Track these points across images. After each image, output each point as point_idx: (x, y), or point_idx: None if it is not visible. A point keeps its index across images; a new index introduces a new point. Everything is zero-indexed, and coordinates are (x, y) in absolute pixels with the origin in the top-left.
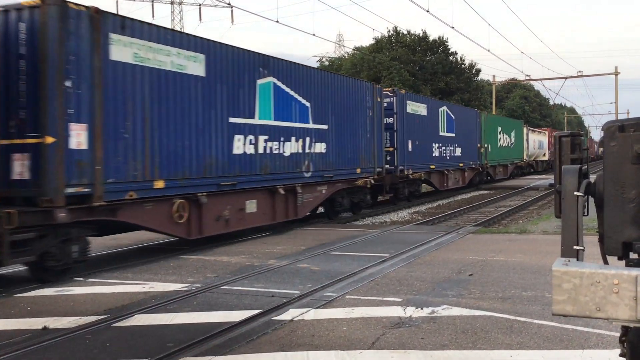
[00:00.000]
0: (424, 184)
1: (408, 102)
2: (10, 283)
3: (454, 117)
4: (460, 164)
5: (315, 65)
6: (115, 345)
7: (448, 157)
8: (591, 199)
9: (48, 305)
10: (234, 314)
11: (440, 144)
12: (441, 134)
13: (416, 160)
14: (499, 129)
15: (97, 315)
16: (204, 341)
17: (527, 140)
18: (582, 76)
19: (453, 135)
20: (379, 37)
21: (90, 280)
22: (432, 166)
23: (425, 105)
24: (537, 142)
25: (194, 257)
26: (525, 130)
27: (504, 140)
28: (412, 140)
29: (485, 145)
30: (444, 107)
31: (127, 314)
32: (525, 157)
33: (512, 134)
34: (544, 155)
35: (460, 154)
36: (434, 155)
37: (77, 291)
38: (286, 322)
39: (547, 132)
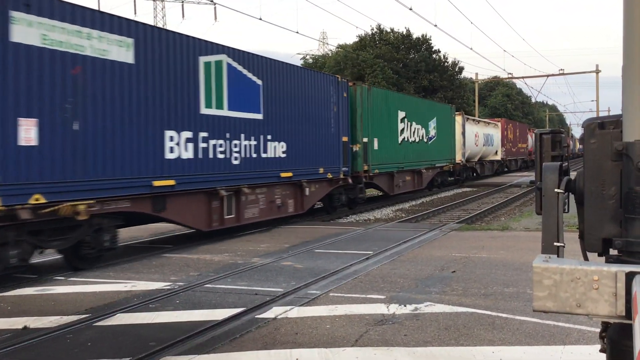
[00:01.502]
0: None
1: None
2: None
3: (260, 83)
4: (285, 174)
5: (299, 63)
6: (96, 345)
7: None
8: (572, 196)
9: (29, 304)
10: (217, 312)
11: (208, 133)
12: (205, 111)
13: None
14: (401, 114)
15: (78, 315)
16: (186, 340)
17: (464, 133)
18: (563, 74)
19: (259, 117)
20: (363, 35)
21: (71, 280)
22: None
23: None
24: (484, 137)
25: (177, 256)
26: (459, 119)
27: (413, 132)
28: None
29: (365, 141)
30: (223, 57)
31: (109, 313)
32: (459, 157)
33: (432, 124)
34: (496, 153)
35: (283, 155)
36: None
37: (59, 290)
38: (270, 320)
39: (499, 124)
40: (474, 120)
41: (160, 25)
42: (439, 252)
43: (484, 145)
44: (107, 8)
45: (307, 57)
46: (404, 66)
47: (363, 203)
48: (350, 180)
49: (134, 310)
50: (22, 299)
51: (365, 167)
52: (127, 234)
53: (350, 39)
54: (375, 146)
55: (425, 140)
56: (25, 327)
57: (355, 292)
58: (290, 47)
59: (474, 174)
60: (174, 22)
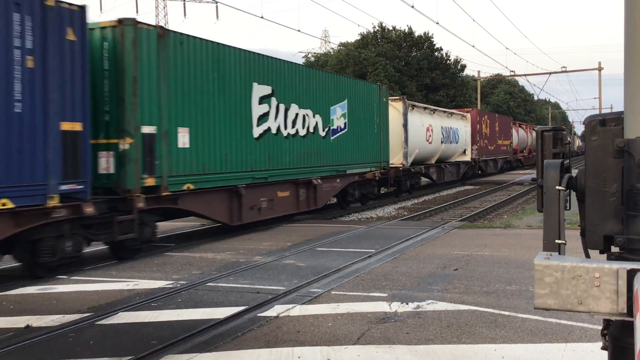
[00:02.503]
0: None
1: None
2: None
3: None
4: None
5: (301, 61)
6: (99, 343)
7: None
8: (573, 194)
9: (31, 303)
10: (219, 310)
11: None
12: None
13: None
14: (263, 90)
15: (80, 313)
16: (188, 338)
17: (407, 126)
18: (566, 72)
19: None
20: (365, 32)
21: (74, 278)
22: None
23: None
24: (443, 132)
25: (179, 254)
26: (398, 106)
27: (292, 121)
28: None
29: (148, 131)
30: None
31: (111, 311)
32: (398, 160)
33: (340, 111)
34: (464, 153)
35: None
36: None
37: (61, 289)
38: (271, 318)
39: (468, 116)
40: (425, 109)
41: (162, 24)
42: (441, 250)
43: (443, 142)
44: (109, 8)
45: (309, 55)
46: (406, 64)
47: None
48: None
49: (136, 308)
50: (25, 297)
51: (150, 181)
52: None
53: (352, 37)
54: (183, 142)
55: (322, 134)
56: (27, 326)
57: (357, 290)
58: (292, 46)
59: (409, 187)
60: (176, 22)
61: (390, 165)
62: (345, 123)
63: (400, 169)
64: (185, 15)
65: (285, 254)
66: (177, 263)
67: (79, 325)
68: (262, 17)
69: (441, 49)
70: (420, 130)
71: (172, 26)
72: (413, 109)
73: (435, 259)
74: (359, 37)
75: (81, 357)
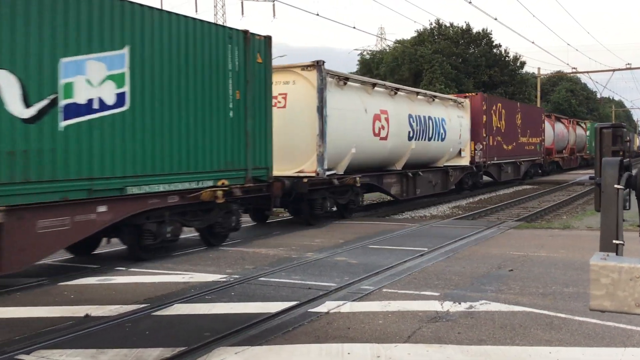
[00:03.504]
0: None
1: None
2: (57, 271)
3: None
4: None
5: (357, 59)
6: (154, 333)
7: None
8: (633, 193)
9: (90, 293)
10: (271, 305)
11: None
12: None
13: None
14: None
15: (137, 304)
16: (240, 331)
17: (322, 109)
18: (630, 69)
19: None
20: (421, 29)
21: (131, 270)
22: None
23: None
24: (410, 124)
25: (232, 249)
26: (310, 76)
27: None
28: None
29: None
30: None
31: (166, 303)
32: (314, 167)
33: (98, 67)
34: (460, 154)
35: None
36: None
37: (119, 280)
38: (322, 314)
39: (466, 102)
40: (374, 86)
41: (220, 22)
42: (496, 250)
43: (414, 138)
44: (169, 7)
45: (364, 53)
46: (463, 61)
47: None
48: None
49: (191, 301)
50: (85, 287)
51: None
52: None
53: (409, 34)
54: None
55: (19, 112)
56: (87, 315)
57: (408, 288)
58: (348, 43)
59: (361, 202)
60: (234, 20)
61: (295, 174)
62: (121, 95)
63: (307, 180)
64: (242, 14)
65: (338, 251)
66: (230, 257)
67: (135, 315)
68: (317, 15)
69: (500, 46)
70: (360, 119)
71: (230, 24)
72: (345, 84)
73: (490, 259)
74: (415, 34)
75: (137, 347)
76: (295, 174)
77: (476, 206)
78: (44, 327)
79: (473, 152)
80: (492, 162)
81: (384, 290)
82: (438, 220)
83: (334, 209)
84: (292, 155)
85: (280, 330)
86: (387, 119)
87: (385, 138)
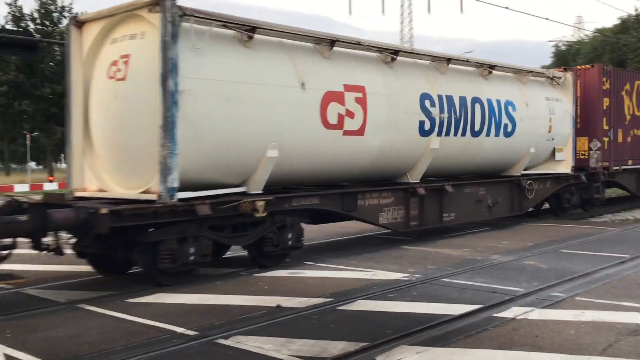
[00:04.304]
0: None
1: None
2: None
3: None
4: None
5: (551, 50)
6: (338, 327)
7: None
8: None
9: (282, 285)
10: (453, 307)
11: None
12: None
13: None
14: None
15: (323, 298)
16: (422, 331)
17: (164, 78)
18: None
19: None
20: (625, 16)
21: (319, 265)
22: None
23: None
24: (433, 108)
25: (415, 248)
26: (156, 21)
27: None
28: None
29: None
30: None
31: (350, 298)
32: (156, 187)
33: None
34: (553, 156)
35: None
36: None
37: (308, 274)
38: (508, 320)
39: (567, 78)
40: (329, 44)
41: (407, 21)
42: None
43: (436, 130)
44: (356, 9)
45: (560, 44)
46: None
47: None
48: None
49: (374, 298)
50: (277, 280)
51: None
52: (370, 226)
53: (610, 21)
54: None
55: None
56: (278, 306)
57: (605, 298)
58: (540, 35)
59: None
60: (420, 17)
61: (139, 196)
62: None
63: (111, 212)
64: (429, 11)
65: (526, 254)
66: (413, 257)
67: (321, 308)
68: (507, 8)
69: None
70: (289, 99)
71: (416, 23)
72: (252, 38)
73: None
74: (617, 22)
75: (322, 339)
76: (140, 196)
77: None
78: (240, 315)
79: (586, 153)
80: (622, 167)
81: (577, 298)
82: None
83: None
84: (134, 163)
85: (463, 333)
86: (362, 101)
87: (357, 132)
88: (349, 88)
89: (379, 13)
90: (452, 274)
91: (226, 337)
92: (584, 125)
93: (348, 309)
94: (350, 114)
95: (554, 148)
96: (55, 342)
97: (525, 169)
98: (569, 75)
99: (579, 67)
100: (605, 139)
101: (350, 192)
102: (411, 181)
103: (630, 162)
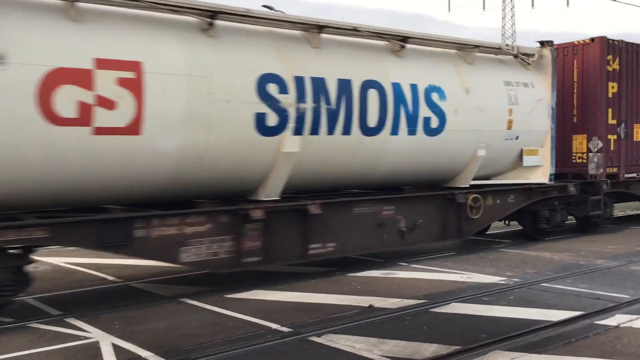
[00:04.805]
0: None
1: None
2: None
3: None
4: None
5: None
6: (431, 329)
7: None
8: None
9: (375, 285)
10: (552, 313)
11: None
12: None
13: None
14: None
15: (416, 299)
16: (518, 337)
17: None
18: None
19: None
20: None
21: (413, 266)
22: None
23: None
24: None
25: (513, 251)
26: None
27: None
28: None
29: None
30: None
31: (444, 301)
32: None
33: None
34: (521, 161)
35: None
36: None
37: (401, 275)
38: (611, 327)
39: (545, 56)
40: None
41: (508, 17)
42: None
43: (292, 126)
44: (457, 6)
45: None
46: None
47: None
48: None
49: (468, 301)
50: (370, 280)
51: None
52: None
53: None
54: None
55: None
56: (370, 306)
57: None
58: None
59: None
60: (523, 13)
61: None
62: None
63: None
64: (533, 5)
65: (634, 259)
66: (511, 260)
67: (414, 310)
68: (614, 0)
69: None
70: None
71: (519, 18)
72: None
73: None
74: None
75: (414, 340)
76: None
77: None
78: (333, 313)
79: (584, 155)
80: (629, 175)
81: None
82: None
83: None
84: None
85: (561, 340)
86: (133, 83)
87: (126, 129)
88: (106, 64)
89: (479, 9)
90: (553, 279)
91: (319, 335)
92: (582, 119)
93: (441, 312)
94: (107, 103)
95: (522, 150)
96: (158, 333)
97: (482, 178)
98: (546, 52)
99: (576, 42)
100: (612, 137)
101: (117, 218)
102: (264, 199)
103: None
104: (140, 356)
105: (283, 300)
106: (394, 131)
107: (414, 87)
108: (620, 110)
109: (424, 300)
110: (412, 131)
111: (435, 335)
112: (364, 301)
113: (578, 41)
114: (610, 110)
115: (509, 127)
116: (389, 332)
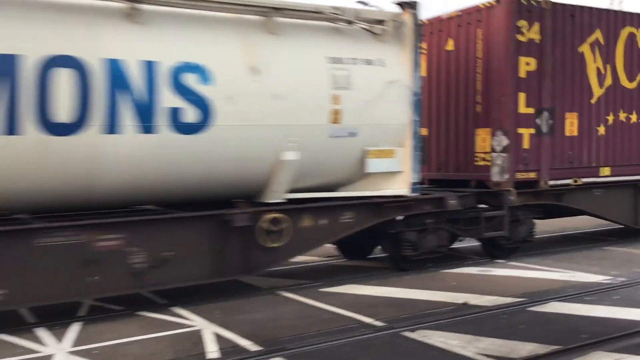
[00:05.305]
0: None
1: None
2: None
3: None
4: None
5: None
6: (528, 328)
7: None
8: None
9: (469, 282)
10: None
11: None
12: None
13: None
14: None
15: (513, 297)
16: (621, 338)
17: None
18: None
19: None
20: None
21: (510, 264)
22: None
23: None
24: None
25: (620, 250)
26: None
27: None
28: None
29: None
30: None
31: (543, 299)
32: None
33: None
34: (363, 165)
35: None
36: None
37: (497, 272)
38: None
39: (407, 18)
40: None
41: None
42: None
43: None
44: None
45: None
46: None
47: None
48: None
49: (569, 300)
50: (465, 276)
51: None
52: (570, 224)
53: None
54: None
55: None
56: (465, 303)
57: None
58: None
59: None
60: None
61: None
62: None
63: None
64: None
65: None
66: (617, 258)
67: (511, 308)
68: None
69: None
70: None
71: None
72: None
73: None
74: None
75: (510, 339)
76: None
77: None
78: (426, 309)
79: (488, 156)
80: (582, 179)
81: None
82: None
83: None
84: None
85: None
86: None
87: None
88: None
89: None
90: None
91: (412, 330)
92: (487, 107)
93: (539, 311)
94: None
95: (364, 152)
96: (256, 323)
97: (315, 190)
98: (406, 18)
99: (482, 4)
100: (526, 131)
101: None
102: None
103: (606, 170)
104: (239, 345)
105: (376, 294)
106: (111, 128)
107: (150, 65)
108: (540, 95)
109: (522, 299)
110: (147, 128)
111: (533, 335)
112: (458, 298)
113: (484, 4)
114: (522, 95)
115: (335, 121)
116: (484, 330)
